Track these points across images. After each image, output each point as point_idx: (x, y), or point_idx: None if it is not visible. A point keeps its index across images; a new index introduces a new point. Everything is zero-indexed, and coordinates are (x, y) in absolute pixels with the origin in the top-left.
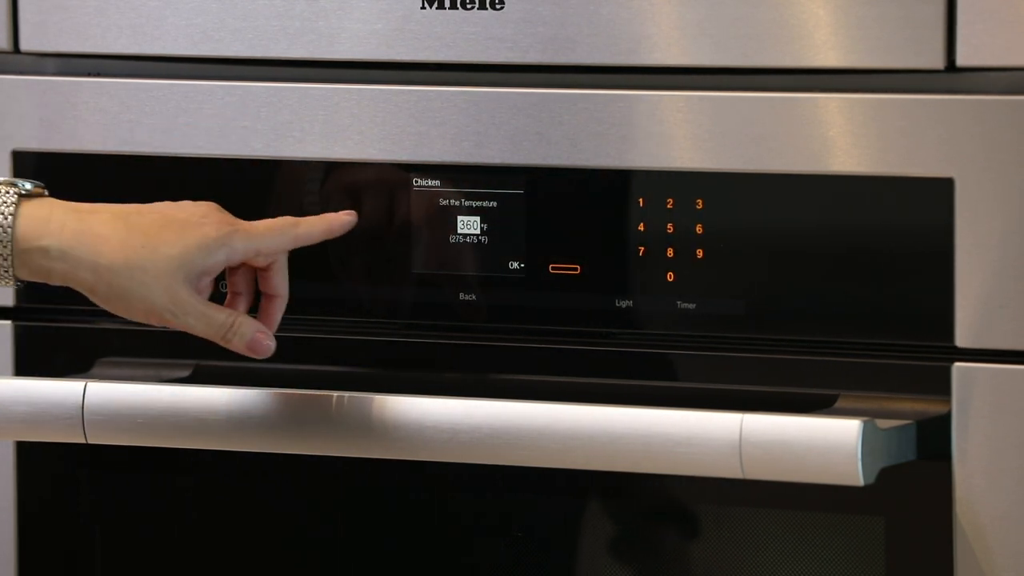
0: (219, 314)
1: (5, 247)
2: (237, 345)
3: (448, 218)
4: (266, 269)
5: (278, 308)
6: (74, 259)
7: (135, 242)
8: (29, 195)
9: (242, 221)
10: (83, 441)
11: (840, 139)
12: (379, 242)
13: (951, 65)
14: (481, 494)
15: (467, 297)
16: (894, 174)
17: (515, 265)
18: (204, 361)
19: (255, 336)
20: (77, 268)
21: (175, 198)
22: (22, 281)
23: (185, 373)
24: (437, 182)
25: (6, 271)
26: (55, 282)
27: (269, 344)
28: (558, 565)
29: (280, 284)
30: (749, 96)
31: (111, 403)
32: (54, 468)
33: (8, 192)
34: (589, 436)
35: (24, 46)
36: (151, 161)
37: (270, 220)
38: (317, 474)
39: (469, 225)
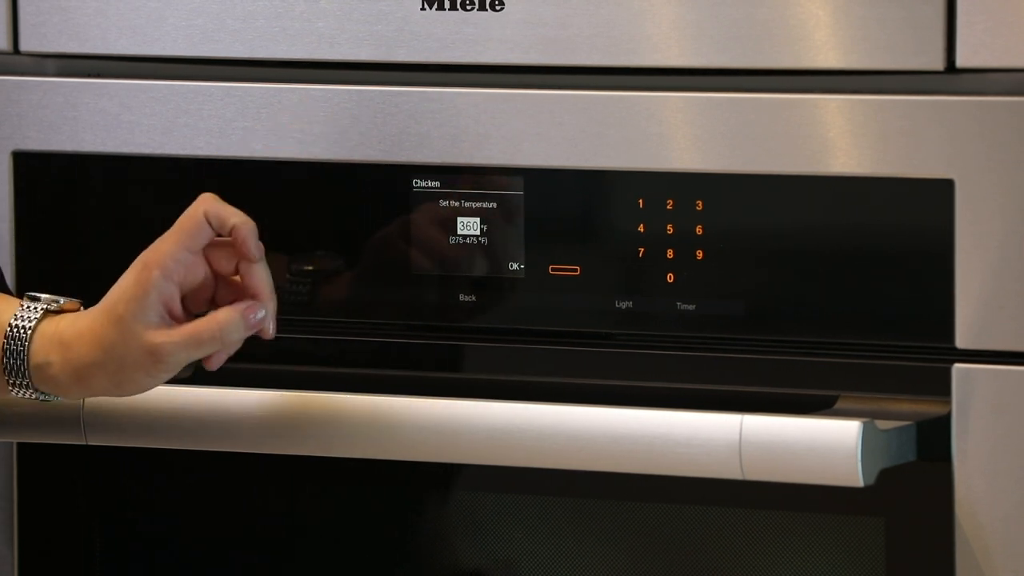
0: (200, 327)
1: (23, 362)
2: (239, 339)
3: (448, 219)
4: (244, 276)
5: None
6: (71, 371)
7: (100, 323)
8: (59, 311)
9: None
10: (83, 442)
11: (840, 140)
12: (379, 243)
13: (951, 66)
14: (482, 493)
15: (467, 298)
16: (894, 175)
17: (515, 266)
18: None
19: (244, 319)
20: (83, 377)
21: (175, 199)
22: (46, 394)
23: (185, 373)
24: (437, 183)
25: (27, 385)
26: (72, 396)
27: (257, 315)
28: (558, 565)
29: (257, 285)
30: (749, 97)
31: (111, 403)
32: (54, 468)
33: (35, 308)
34: (589, 437)
35: (24, 47)
36: (151, 162)
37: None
38: (316, 473)
39: (469, 226)
